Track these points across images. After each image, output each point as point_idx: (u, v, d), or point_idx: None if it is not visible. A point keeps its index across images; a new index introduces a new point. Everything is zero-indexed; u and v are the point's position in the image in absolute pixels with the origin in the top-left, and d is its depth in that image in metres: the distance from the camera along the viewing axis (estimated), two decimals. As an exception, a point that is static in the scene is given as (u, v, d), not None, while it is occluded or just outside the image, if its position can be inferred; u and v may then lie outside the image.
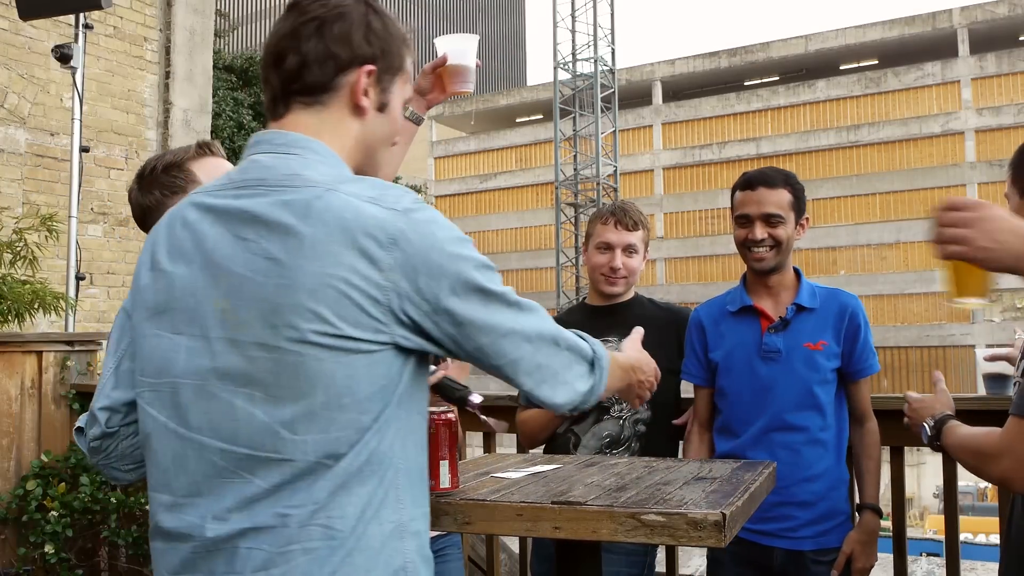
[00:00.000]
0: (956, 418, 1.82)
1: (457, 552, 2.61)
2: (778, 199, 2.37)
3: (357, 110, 1.33)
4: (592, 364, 1.36)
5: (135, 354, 1.31)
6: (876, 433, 2.41)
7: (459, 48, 1.95)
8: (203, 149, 2.01)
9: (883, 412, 2.48)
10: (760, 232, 2.36)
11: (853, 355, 2.36)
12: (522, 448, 3.00)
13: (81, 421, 1.42)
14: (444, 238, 1.21)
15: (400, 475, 1.22)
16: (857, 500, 2.44)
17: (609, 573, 2.43)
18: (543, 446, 2.66)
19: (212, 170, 2.00)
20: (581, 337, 1.37)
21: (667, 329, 2.60)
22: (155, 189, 1.95)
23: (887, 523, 2.67)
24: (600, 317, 2.62)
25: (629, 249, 2.62)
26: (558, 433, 2.59)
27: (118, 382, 1.38)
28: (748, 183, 2.42)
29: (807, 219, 2.45)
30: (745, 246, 2.40)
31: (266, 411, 1.17)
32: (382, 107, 1.36)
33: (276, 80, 1.33)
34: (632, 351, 1.67)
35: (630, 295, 2.69)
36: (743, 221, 2.40)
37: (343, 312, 1.16)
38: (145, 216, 1.97)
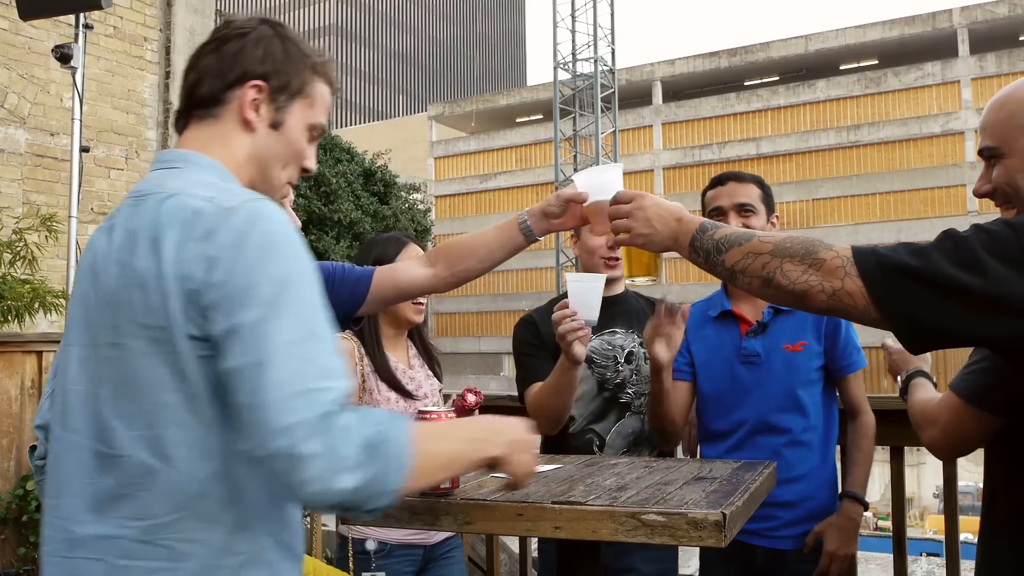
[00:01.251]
0: (927, 375, 1.86)
1: (460, 553, 2.62)
2: (748, 191, 2.43)
3: (246, 124, 1.37)
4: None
5: None
6: (869, 427, 2.40)
7: (600, 182, 1.86)
8: None
9: (883, 412, 2.48)
10: (734, 221, 2.39)
11: (835, 352, 2.37)
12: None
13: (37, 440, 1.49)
14: (255, 244, 1.18)
15: (261, 503, 1.21)
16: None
17: (650, 572, 2.41)
18: (540, 448, 2.65)
19: None
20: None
21: None
22: None
23: (887, 523, 2.67)
24: (602, 309, 2.59)
25: None
26: (572, 433, 2.51)
27: (52, 404, 1.43)
28: (718, 180, 2.49)
29: (777, 217, 2.49)
30: None
31: (113, 409, 1.22)
32: (276, 125, 1.38)
33: (181, 97, 1.41)
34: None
35: (622, 288, 2.68)
36: (716, 214, 2.43)
37: (165, 305, 1.18)
38: None
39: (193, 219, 1.20)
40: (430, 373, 2.62)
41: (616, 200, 1.66)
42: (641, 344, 2.54)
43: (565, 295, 2.21)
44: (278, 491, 1.21)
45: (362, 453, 1.10)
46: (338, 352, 1.19)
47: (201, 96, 1.37)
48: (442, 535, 2.50)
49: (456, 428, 1.36)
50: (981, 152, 1.51)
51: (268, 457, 1.10)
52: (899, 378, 1.91)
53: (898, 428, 2.54)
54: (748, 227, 2.38)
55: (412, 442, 1.16)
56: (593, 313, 2.11)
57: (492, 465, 1.32)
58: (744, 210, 2.41)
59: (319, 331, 1.17)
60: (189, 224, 1.19)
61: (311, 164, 1.45)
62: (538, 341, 2.51)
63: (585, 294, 2.11)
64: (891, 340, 2.12)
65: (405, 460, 1.14)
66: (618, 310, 2.54)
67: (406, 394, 2.50)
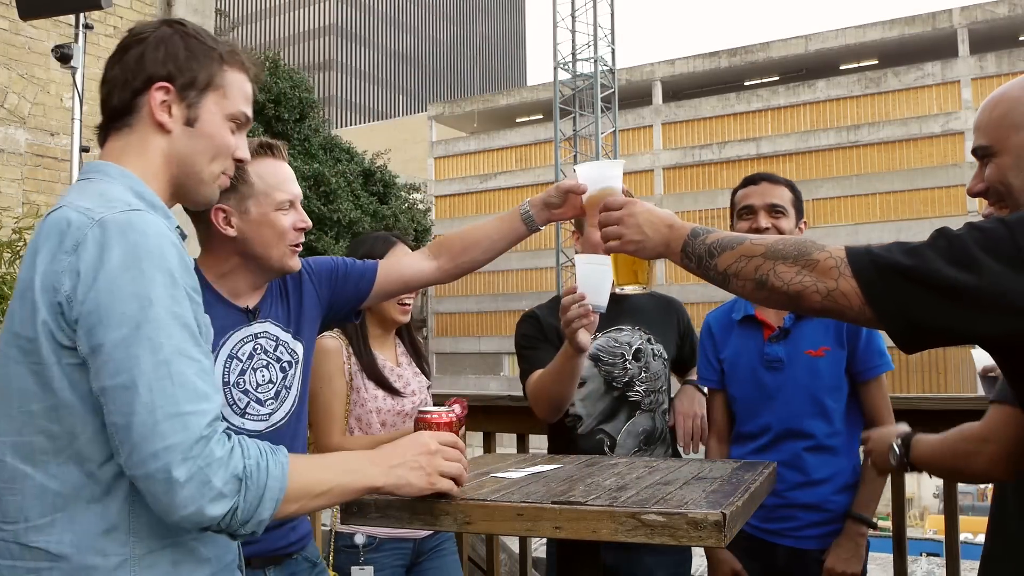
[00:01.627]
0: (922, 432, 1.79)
1: (452, 545, 2.61)
2: (781, 193, 2.42)
3: (160, 127, 1.37)
4: None
5: None
6: None
7: (601, 176, 1.87)
8: (263, 150, 1.89)
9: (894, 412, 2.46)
10: (764, 221, 2.37)
11: (856, 355, 2.35)
12: (523, 447, 3.00)
13: None
14: (116, 260, 1.18)
15: (136, 505, 1.21)
16: None
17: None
18: (545, 448, 2.64)
19: (270, 171, 1.87)
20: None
21: (666, 317, 2.60)
22: None
23: (887, 523, 2.66)
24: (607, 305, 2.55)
25: None
26: (582, 435, 2.47)
27: None
28: (751, 179, 2.47)
29: (805, 223, 2.47)
30: None
31: None
32: (191, 122, 1.38)
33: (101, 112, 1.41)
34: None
35: None
36: (746, 213, 2.42)
37: (34, 316, 1.20)
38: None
39: (66, 231, 1.21)
40: (418, 371, 2.62)
41: (606, 207, 1.66)
42: (648, 340, 2.52)
43: (570, 291, 2.19)
44: (153, 508, 1.19)
45: (232, 483, 1.15)
46: (207, 369, 1.20)
47: (113, 108, 1.38)
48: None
49: (335, 460, 1.40)
50: (974, 151, 1.50)
51: (142, 477, 1.14)
52: (894, 445, 1.80)
53: (898, 428, 2.54)
54: (778, 228, 2.38)
55: (286, 474, 1.22)
56: (603, 298, 2.05)
57: (382, 492, 1.37)
58: (775, 211, 2.39)
59: (186, 348, 1.18)
60: (62, 236, 1.20)
61: (243, 154, 1.46)
62: (541, 335, 2.49)
63: (595, 277, 2.05)
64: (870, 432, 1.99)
65: (276, 493, 1.20)
66: (624, 307, 2.50)
67: (393, 391, 2.49)
